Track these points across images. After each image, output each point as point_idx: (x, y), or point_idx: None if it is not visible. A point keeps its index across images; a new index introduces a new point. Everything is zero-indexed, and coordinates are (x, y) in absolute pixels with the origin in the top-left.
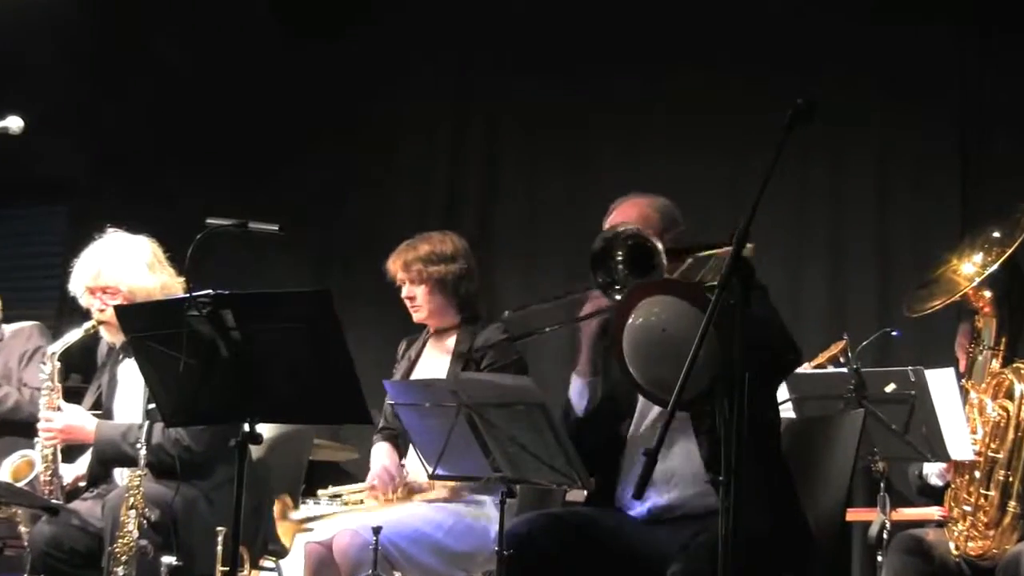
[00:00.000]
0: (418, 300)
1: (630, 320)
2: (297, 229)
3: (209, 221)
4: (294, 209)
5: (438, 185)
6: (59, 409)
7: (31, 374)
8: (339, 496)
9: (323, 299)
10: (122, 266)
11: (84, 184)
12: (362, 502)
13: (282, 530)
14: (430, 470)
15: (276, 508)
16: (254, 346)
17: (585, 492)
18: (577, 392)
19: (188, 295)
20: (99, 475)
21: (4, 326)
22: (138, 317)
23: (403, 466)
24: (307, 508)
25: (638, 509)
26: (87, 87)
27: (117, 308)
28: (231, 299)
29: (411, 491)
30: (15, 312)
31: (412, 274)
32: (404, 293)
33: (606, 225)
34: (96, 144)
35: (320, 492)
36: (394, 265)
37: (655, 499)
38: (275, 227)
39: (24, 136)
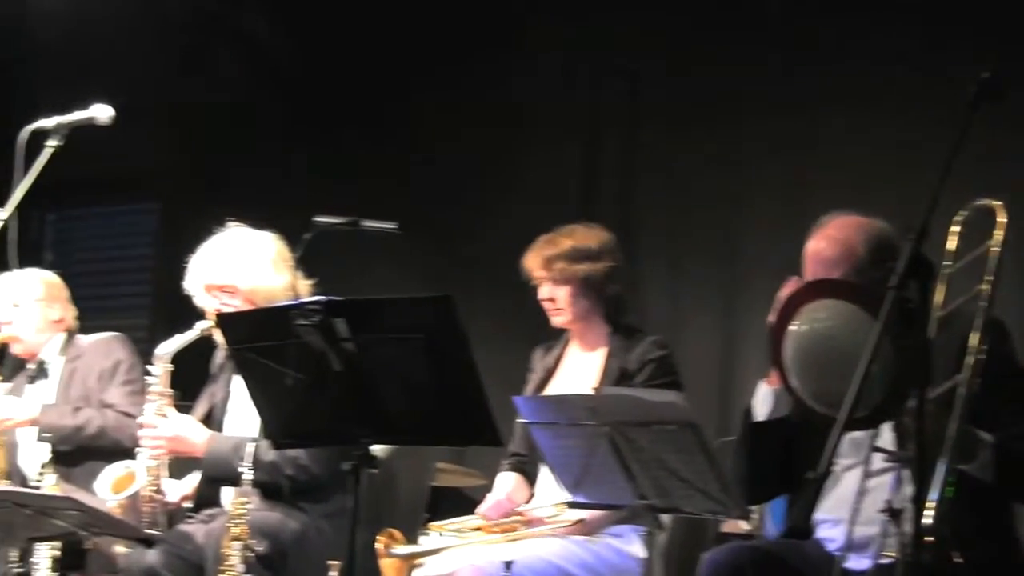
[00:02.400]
0: (560, 302)
1: (793, 327)
2: (414, 227)
3: (317, 219)
4: (410, 205)
5: (570, 179)
6: (167, 417)
7: (113, 394)
8: (451, 530)
9: (446, 306)
10: (243, 263)
11: (176, 179)
12: (479, 530)
13: (386, 567)
14: (568, 497)
15: (379, 543)
16: (369, 359)
17: (742, 523)
18: (761, 397)
19: (295, 302)
20: (207, 497)
21: (82, 337)
22: (241, 326)
23: (523, 503)
24: (422, 542)
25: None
26: (177, 73)
27: (219, 316)
28: (344, 306)
29: (528, 525)
30: (102, 322)
31: (554, 272)
32: (543, 295)
33: (808, 247)
34: (189, 136)
35: (431, 525)
36: (532, 262)
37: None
38: (392, 225)
39: (111, 127)
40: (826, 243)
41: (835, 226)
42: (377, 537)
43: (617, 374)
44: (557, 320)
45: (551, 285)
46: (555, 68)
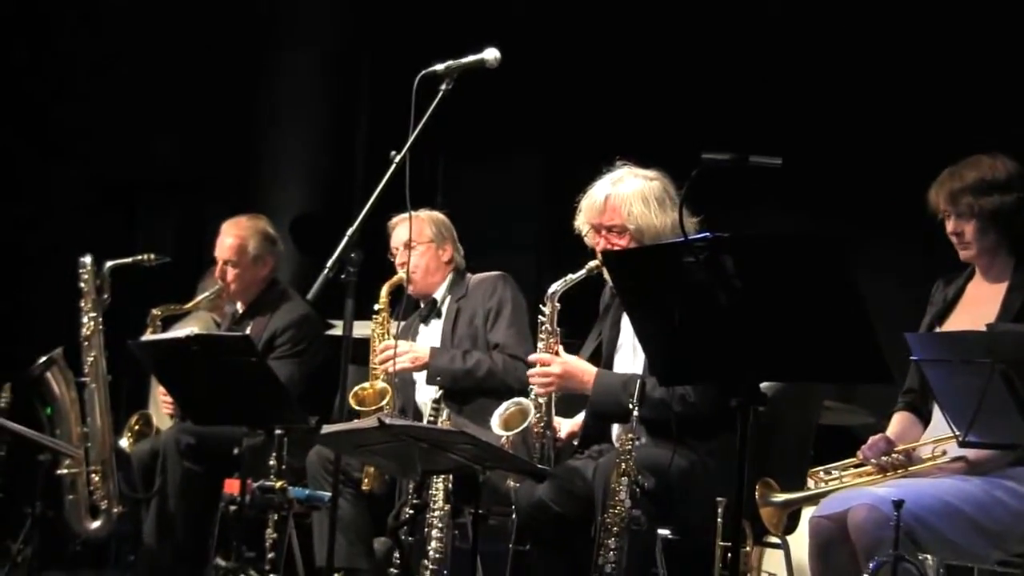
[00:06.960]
0: (967, 236)
1: None
2: (798, 162)
3: (705, 156)
4: (796, 139)
5: (954, 107)
6: (557, 355)
7: (500, 334)
8: (830, 476)
9: (835, 247)
10: (631, 202)
11: (564, 121)
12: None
13: (766, 516)
14: (960, 436)
15: (757, 492)
16: (757, 296)
17: None
18: None
19: (682, 239)
20: (594, 433)
21: (468, 276)
22: (629, 264)
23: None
24: (810, 485)
25: None
26: (564, 18)
27: (604, 254)
28: (731, 243)
29: (909, 464)
30: (492, 261)
31: (960, 207)
32: (949, 228)
33: None
34: (571, 82)
35: (810, 472)
36: (936, 196)
37: None
38: (777, 160)
39: (497, 72)
40: None
41: None
42: (756, 486)
43: (1017, 309)
44: (965, 254)
45: (956, 220)
46: None
